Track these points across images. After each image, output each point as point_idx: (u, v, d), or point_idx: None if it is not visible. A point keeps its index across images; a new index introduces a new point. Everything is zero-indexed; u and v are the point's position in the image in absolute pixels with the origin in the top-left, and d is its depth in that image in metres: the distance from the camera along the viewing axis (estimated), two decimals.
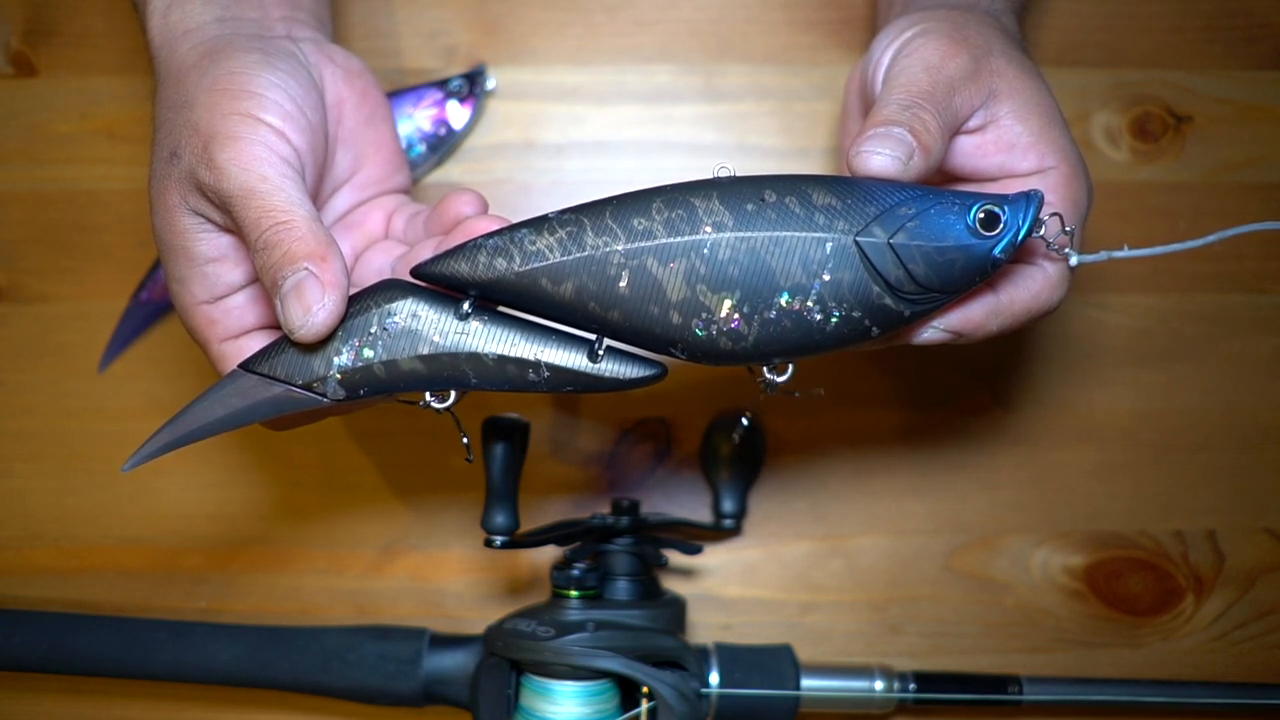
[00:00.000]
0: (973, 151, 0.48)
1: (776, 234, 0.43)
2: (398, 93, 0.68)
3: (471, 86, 0.69)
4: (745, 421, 0.62)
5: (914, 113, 0.45)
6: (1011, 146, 0.48)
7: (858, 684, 0.62)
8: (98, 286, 0.69)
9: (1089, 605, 0.69)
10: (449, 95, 0.68)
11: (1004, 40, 0.50)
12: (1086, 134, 0.71)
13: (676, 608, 0.60)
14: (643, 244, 0.43)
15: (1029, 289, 0.47)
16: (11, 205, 0.70)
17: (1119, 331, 0.71)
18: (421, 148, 0.68)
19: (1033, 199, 0.44)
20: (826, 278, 0.43)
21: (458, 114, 0.68)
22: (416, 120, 0.68)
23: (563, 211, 0.44)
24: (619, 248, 0.43)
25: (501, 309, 0.46)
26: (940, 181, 0.51)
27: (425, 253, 0.48)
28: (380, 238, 0.55)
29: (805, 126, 0.71)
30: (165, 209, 0.47)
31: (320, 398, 0.44)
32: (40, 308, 0.70)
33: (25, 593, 0.68)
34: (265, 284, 0.44)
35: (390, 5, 0.71)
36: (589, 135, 0.71)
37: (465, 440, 0.48)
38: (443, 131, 0.68)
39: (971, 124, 0.48)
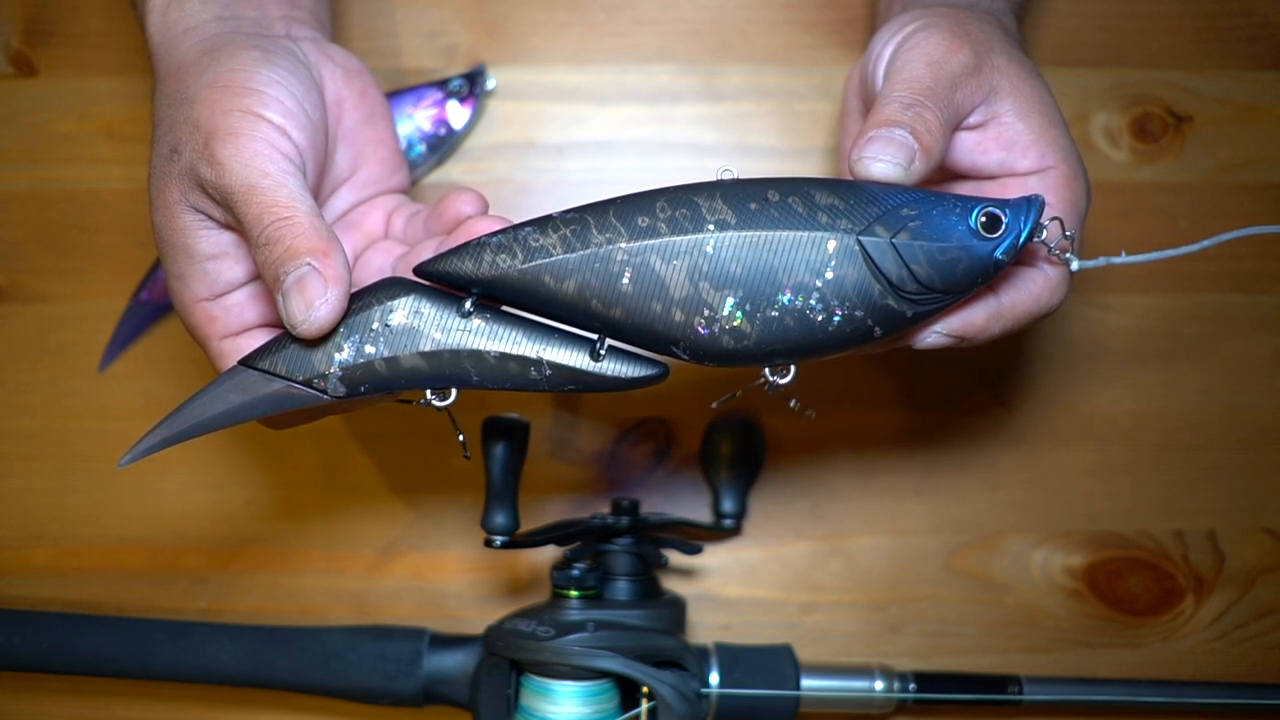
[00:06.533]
0: (973, 148, 0.48)
1: (779, 233, 0.43)
2: (398, 93, 0.68)
3: (471, 86, 0.69)
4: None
5: (916, 111, 0.45)
6: (1012, 144, 0.48)
7: (858, 684, 0.62)
8: (98, 286, 0.69)
9: (1089, 605, 0.69)
10: (449, 95, 0.68)
11: (1004, 39, 0.50)
12: (1086, 134, 0.71)
13: (676, 608, 0.60)
14: (646, 241, 0.43)
15: (1029, 292, 0.47)
16: (11, 205, 0.70)
17: (1119, 331, 0.71)
18: (421, 148, 0.68)
19: (1034, 203, 0.44)
20: (829, 276, 0.43)
21: (458, 114, 0.68)
22: (416, 120, 0.68)
23: (566, 211, 0.44)
24: (622, 245, 0.43)
25: (504, 308, 0.46)
26: (940, 178, 0.51)
27: (426, 252, 0.48)
28: (380, 237, 0.55)
29: (805, 126, 0.71)
30: (165, 206, 0.46)
31: (321, 394, 0.44)
32: (40, 308, 0.70)
33: (25, 593, 0.68)
34: (267, 280, 0.44)
35: (390, 5, 0.71)
36: (589, 135, 0.71)
37: (461, 438, 0.48)
38: (443, 131, 0.68)
39: (972, 120, 0.48)
